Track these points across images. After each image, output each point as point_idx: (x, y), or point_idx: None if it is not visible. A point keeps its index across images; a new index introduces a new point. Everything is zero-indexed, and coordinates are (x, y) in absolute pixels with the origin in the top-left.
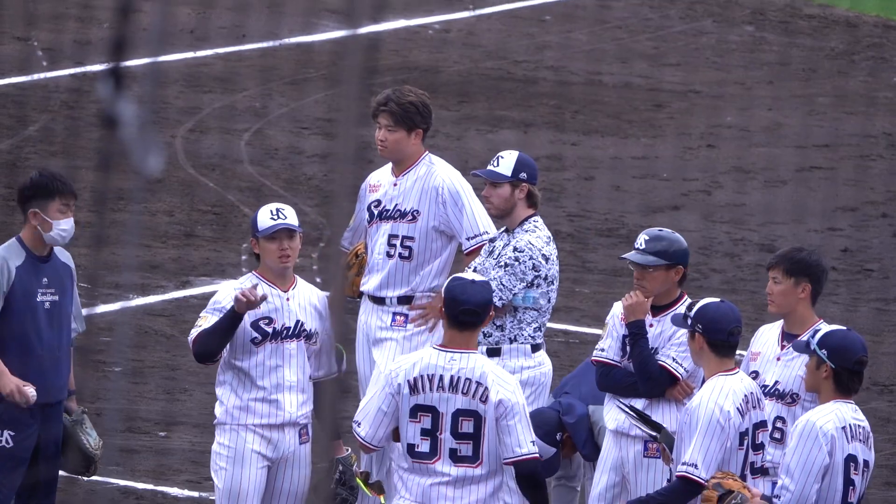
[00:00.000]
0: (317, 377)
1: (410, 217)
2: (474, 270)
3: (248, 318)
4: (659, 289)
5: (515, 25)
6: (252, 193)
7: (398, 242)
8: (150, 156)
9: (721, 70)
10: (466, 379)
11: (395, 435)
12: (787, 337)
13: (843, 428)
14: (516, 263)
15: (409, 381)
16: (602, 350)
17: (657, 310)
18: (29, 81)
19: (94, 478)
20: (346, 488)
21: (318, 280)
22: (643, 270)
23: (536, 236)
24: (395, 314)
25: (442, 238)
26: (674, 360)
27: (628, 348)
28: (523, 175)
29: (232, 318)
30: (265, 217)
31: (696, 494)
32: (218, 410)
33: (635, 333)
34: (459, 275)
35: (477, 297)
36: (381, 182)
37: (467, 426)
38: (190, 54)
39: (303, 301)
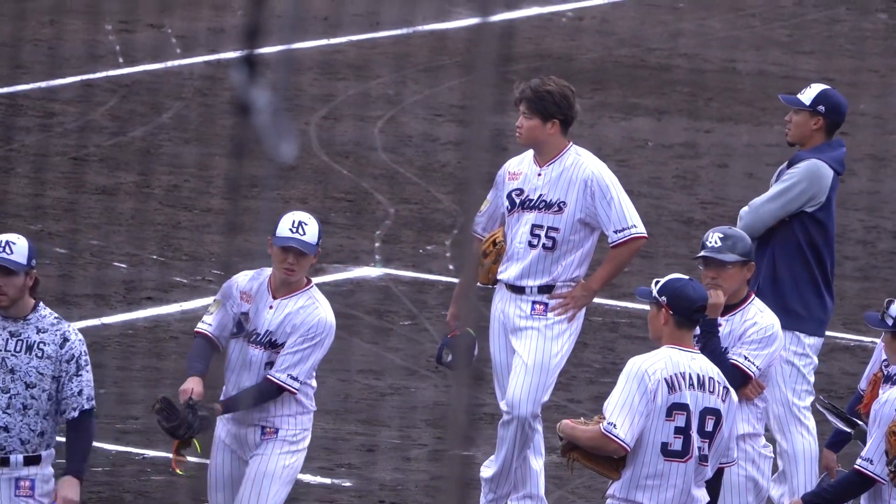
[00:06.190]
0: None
1: (556, 208)
2: None
3: (238, 308)
4: (735, 286)
5: (649, 13)
6: (386, 181)
7: (542, 233)
8: (284, 143)
9: (855, 58)
10: (710, 377)
11: None
12: None
13: None
14: None
15: (666, 379)
16: None
17: (726, 309)
18: (163, 69)
19: None
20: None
21: (450, 267)
22: (721, 269)
23: None
24: (534, 303)
25: (585, 229)
26: (745, 358)
27: (698, 347)
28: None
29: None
30: (285, 226)
31: (868, 488)
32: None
33: (707, 332)
34: (675, 275)
35: (704, 293)
36: (521, 170)
37: (710, 425)
38: (324, 41)
39: (281, 315)
